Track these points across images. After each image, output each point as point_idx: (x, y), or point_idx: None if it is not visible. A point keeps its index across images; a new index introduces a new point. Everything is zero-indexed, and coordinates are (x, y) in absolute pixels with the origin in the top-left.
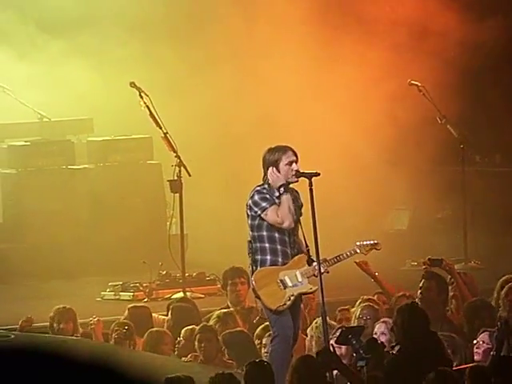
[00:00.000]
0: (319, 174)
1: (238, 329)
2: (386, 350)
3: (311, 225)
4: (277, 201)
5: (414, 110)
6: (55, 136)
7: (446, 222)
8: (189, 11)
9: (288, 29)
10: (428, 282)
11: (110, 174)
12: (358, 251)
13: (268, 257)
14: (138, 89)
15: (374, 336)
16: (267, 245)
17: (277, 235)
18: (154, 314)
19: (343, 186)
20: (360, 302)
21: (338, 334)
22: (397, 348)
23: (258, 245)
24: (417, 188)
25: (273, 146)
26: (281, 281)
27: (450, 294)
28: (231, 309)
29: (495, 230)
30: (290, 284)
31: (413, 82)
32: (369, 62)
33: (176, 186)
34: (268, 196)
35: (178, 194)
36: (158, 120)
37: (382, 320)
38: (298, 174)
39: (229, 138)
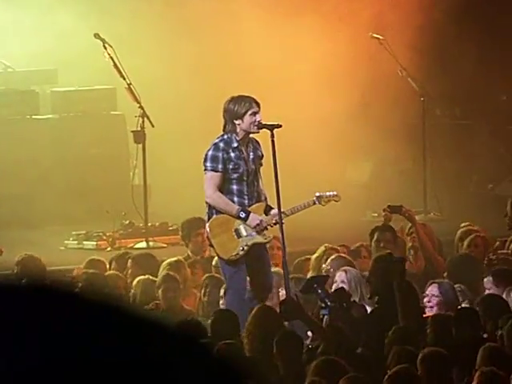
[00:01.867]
0: (281, 126)
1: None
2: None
3: (273, 176)
4: (232, 154)
5: (374, 62)
6: (20, 86)
7: (406, 175)
8: None
9: None
10: (384, 234)
11: (74, 124)
12: (317, 202)
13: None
14: (102, 40)
15: (335, 284)
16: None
17: (234, 187)
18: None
19: (304, 137)
20: (324, 251)
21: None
22: (374, 299)
23: None
24: (377, 140)
25: (236, 96)
26: (235, 230)
27: (409, 244)
28: (192, 258)
29: (455, 182)
30: (244, 234)
31: (374, 35)
32: (330, 12)
33: (139, 136)
34: (220, 154)
35: (141, 145)
36: (122, 71)
37: (342, 269)
38: (260, 125)
39: (192, 88)
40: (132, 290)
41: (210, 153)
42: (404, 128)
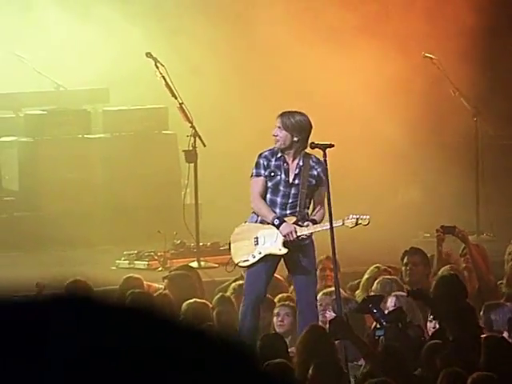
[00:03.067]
0: (333, 146)
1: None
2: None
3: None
4: (272, 162)
5: (428, 82)
6: (71, 105)
7: (458, 195)
8: None
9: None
10: (413, 256)
11: (126, 143)
12: (341, 223)
13: (256, 215)
14: (154, 59)
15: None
16: None
17: (268, 196)
18: (148, 283)
19: (357, 157)
20: (377, 273)
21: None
22: (434, 322)
23: None
24: (430, 160)
25: (292, 112)
26: (256, 238)
27: (462, 265)
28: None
29: (508, 203)
30: (262, 242)
31: (427, 54)
32: (383, 34)
33: (191, 156)
34: (261, 161)
35: (192, 164)
36: (174, 90)
37: (393, 294)
38: (313, 145)
39: (244, 108)
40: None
41: (256, 159)
42: (457, 148)
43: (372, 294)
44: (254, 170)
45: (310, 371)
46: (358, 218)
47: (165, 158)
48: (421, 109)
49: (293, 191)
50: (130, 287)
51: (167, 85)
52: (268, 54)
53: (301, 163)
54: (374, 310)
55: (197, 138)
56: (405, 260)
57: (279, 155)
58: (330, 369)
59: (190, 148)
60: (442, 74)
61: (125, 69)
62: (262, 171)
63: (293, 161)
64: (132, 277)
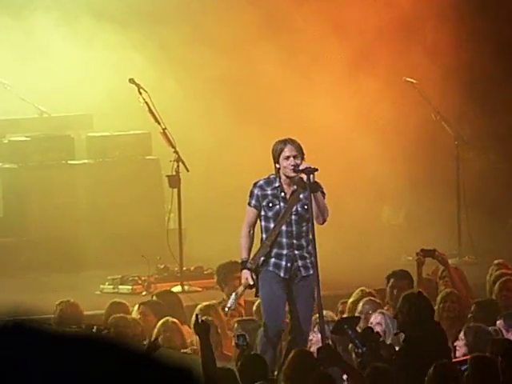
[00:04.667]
0: (317, 170)
1: (251, 318)
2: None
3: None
4: (269, 191)
5: (408, 106)
6: (55, 131)
7: (440, 218)
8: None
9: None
10: (398, 280)
11: (109, 169)
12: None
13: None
14: (137, 85)
15: (370, 325)
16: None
17: (271, 225)
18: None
19: (339, 180)
20: (361, 296)
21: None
22: (401, 336)
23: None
24: (412, 183)
25: (280, 139)
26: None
27: (441, 287)
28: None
29: (490, 226)
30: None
31: (408, 79)
32: (365, 59)
33: (174, 181)
34: (255, 191)
35: (176, 189)
36: (157, 116)
37: (379, 311)
38: (296, 170)
39: (227, 134)
40: (155, 332)
41: (250, 189)
42: (438, 171)
43: (357, 314)
44: (248, 199)
45: None
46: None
47: (148, 183)
48: (402, 134)
49: (294, 218)
50: (115, 312)
51: (150, 110)
52: (255, 82)
53: (294, 187)
54: (349, 332)
55: (180, 163)
56: (390, 282)
57: (276, 184)
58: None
59: (174, 173)
60: (423, 98)
61: (108, 95)
62: (253, 201)
63: (289, 187)
64: (116, 302)
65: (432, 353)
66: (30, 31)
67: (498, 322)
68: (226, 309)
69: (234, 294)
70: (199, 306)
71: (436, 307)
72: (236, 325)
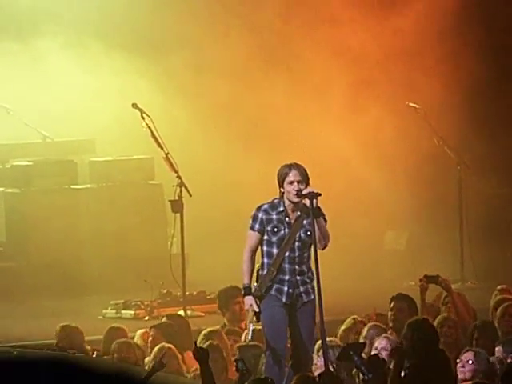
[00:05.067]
0: (320, 195)
1: (255, 343)
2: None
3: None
4: (274, 216)
5: (411, 131)
6: (58, 156)
7: (443, 243)
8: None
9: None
10: (399, 302)
11: (112, 193)
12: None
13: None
14: (140, 110)
15: (375, 351)
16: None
17: (274, 250)
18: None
19: (342, 204)
20: (353, 324)
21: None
22: (406, 363)
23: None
24: (414, 208)
25: (286, 163)
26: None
27: (444, 314)
28: (228, 327)
29: (493, 251)
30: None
31: (411, 104)
32: (365, 84)
33: (177, 205)
34: (260, 215)
35: (178, 214)
36: (160, 140)
37: (383, 335)
38: (300, 194)
39: (230, 160)
40: (151, 357)
41: (252, 212)
42: (441, 196)
43: (361, 340)
44: (250, 223)
45: None
46: None
47: (151, 208)
48: (404, 158)
49: (297, 244)
50: (114, 337)
51: (153, 135)
52: (255, 107)
53: (298, 213)
54: (355, 358)
55: (183, 188)
56: (391, 305)
57: (281, 209)
58: None
59: (176, 198)
60: (426, 123)
61: (111, 120)
62: (257, 225)
63: (293, 213)
64: (114, 327)
65: (435, 380)
66: (36, 56)
67: (496, 349)
68: (248, 339)
69: (250, 325)
70: (204, 332)
71: None
72: (237, 350)
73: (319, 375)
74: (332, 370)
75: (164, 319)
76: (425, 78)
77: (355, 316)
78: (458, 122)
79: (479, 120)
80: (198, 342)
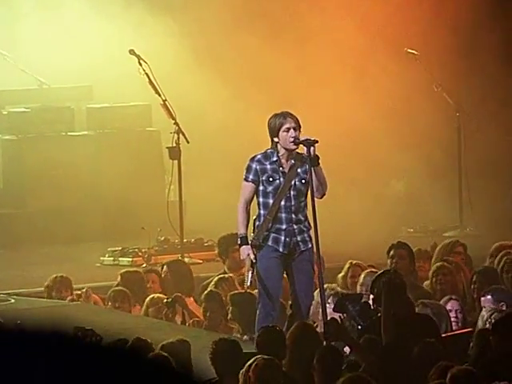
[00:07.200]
0: (317, 142)
1: (247, 291)
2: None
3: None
4: (268, 166)
5: (410, 77)
6: (55, 103)
7: (442, 190)
8: None
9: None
10: (399, 250)
11: (109, 140)
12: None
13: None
14: (138, 56)
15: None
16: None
17: (270, 201)
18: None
19: (339, 154)
20: (348, 267)
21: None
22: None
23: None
24: (413, 155)
25: (274, 113)
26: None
27: (438, 263)
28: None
29: (491, 198)
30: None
31: (409, 50)
32: (365, 30)
33: (175, 152)
34: (254, 165)
35: (176, 161)
36: (157, 87)
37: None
38: (297, 142)
39: (226, 104)
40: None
41: (247, 163)
42: (440, 143)
43: (358, 286)
44: (244, 174)
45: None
46: None
47: (148, 155)
48: (403, 104)
49: (292, 193)
50: (131, 279)
51: (150, 82)
52: (257, 58)
53: (293, 161)
54: (350, 308)
55: (180, 135)
56: (391, 253)
57: (274, 159)
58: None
59: (174, 145)
60: (425, 69)
61: (108, 66)
62: (251, 176)
63: (287, 162)
64: (129, 271)
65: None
66: (35, 2)
67: (483, 299)
68: (246, 286)
69: (249, 272)
70: (215, 279)
71: (429, 281)
72: (229, 298)
73: (324, 324)
74: (339, 318)
75: (165, 267)
76: (424, 26)
77: (351, 260)
78: (456, 69)
79: (479, 67)
80: (208, 288)
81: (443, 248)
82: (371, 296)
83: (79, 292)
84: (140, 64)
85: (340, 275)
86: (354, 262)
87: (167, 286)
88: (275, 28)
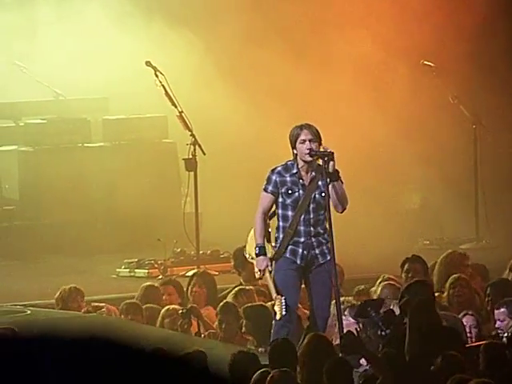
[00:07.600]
0: (333, 153)
1: (259, 303)
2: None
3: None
4: (288, 178)
5: (426, 89)
6: (71, 114)
7: (458, 202)
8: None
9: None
10: (413, 264)
11: (125, 152)
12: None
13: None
14: (154, 68)
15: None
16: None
17: (289, 213)
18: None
19: (355, 164)
20: (381, 281)
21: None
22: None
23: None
24: (429, 167)
25: (297, 124)
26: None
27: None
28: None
29: (507, 210)
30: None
31: (426, 62)
32: (380, 42)
33: (191, 164)
34: (274, 177)
35: (192, 173)
36: (174, 99)
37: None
38: (312, 154)
39: (244, 118)
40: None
41: (267, 174)
42: (456, 155)
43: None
44: (264, 185)
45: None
46: None
47: (164, 167)
48: (420, 117)
49: (312, 206)
50: (149, 296)
51: (167, 93)
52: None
53: (313, 174)
54: (373, 314)
55: (196, 147)
56: (405, 267)
57: (294, 171)
58: (341, 369)
59: (190, 156)
60: (441, 81)
61: (124, 78)
62: (271, 187)
63: (306, 174)
64: (150, 285)
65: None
66: (47, 17)
67: (497, 312)
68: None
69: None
70: (235, 290)
71: (446, 293)
72: (242, 312)
73: (340, 337)
74: (355, 331)
75: (195, 279)
76: (437, 37)
77: (384, 275)
78: (473, 81)
79: (496, 78)
80: (227, 298)
81: (449, 259)
82: (393, 303)
83: (95, 304)
84: (156, 76)
85: (356, 289)
86: (386, 276)
87: (198, 297)
88: (295, 44)
